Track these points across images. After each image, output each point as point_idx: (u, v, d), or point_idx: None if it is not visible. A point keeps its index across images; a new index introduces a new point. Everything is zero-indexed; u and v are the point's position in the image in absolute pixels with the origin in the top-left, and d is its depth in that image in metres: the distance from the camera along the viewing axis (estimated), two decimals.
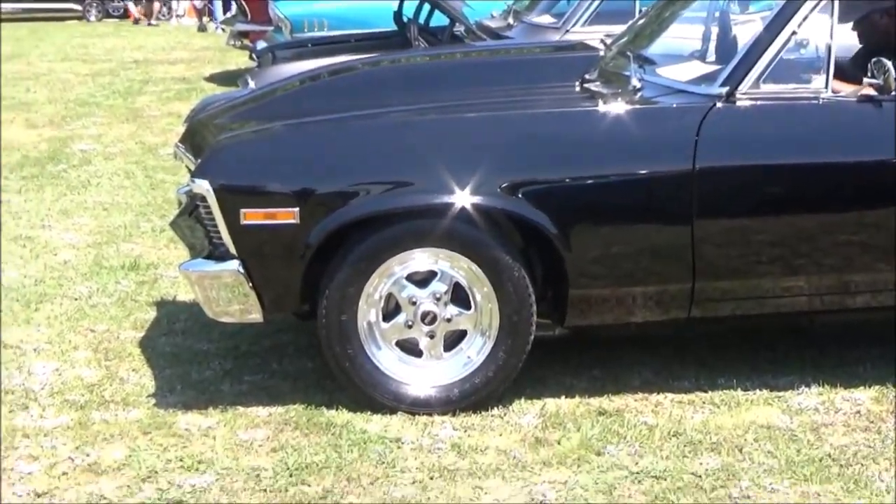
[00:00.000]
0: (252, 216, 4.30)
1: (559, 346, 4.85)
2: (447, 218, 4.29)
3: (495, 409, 4.39)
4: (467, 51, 7.68)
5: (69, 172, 8.61)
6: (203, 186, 4.28)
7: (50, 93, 12.68)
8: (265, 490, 3.77)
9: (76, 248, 6.49)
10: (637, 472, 3.85)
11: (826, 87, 4.42)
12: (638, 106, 4.57)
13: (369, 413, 4.38)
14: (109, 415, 4.37)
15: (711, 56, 5.09)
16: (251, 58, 11.88)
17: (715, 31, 5.25)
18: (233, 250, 4.31)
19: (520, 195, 4.34)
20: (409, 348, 4.44)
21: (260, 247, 4.35)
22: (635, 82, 4.63)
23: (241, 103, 5.64)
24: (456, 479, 3.86)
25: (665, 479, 3.80)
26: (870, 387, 4.50)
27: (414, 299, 4.36)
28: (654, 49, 5.26)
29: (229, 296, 4.41)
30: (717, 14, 5.48)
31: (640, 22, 6.00)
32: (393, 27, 8.11)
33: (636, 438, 4.16)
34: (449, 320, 4.37)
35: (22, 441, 4.20)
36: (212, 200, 4.28)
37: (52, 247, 6.63)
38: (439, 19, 8.51)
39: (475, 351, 4.39)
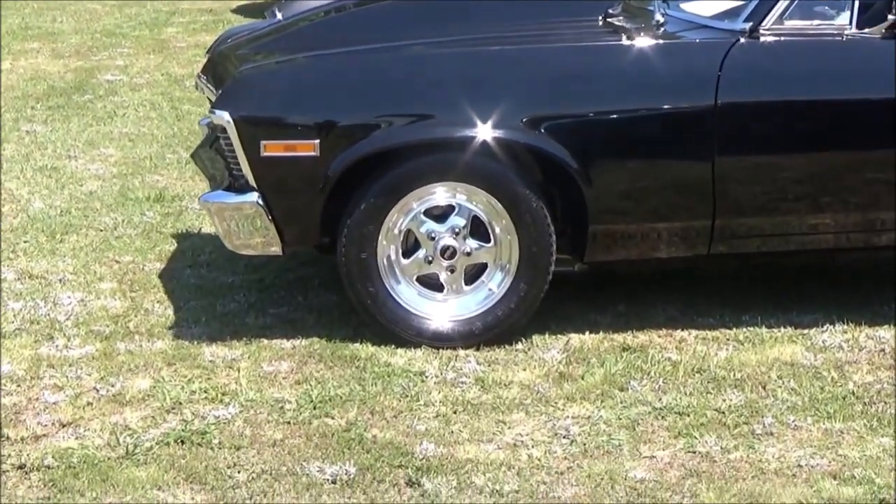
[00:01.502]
0: (272, 148, 4.30)
1: (584, 282, 4.87)
2: (468, 152, 4.28)
3: (519, 343, 4.42)
4: None
5: (95, 103, 8.62)
6: (223, 118, 4.27)
7: (76, 23, 12.65)
8: (289, 422, 3.81)
9: (102, 178, 6.54)
10: (660, 408, 3.88)
11: (850, 23, 4.38)
12: (660, 41, 4.55)
13: (393, 347, 4.41)
14: (134, 346, 4.42)
15: None
16: None
17: None
18: (252, 182, 4.31)
19: (541, 129, 4.33)
20: (431, 283, 4.45)
21: (279, 179, 4.35)
22: (658, 17, 4.59)
23: (265, 34, 5.61)
24: (479, 413, 3.89)
25: (688, 415, 3.82)
26: (893, 325, 4.53)
27: (433, 234, 4.36)
28: None
29: (249, 228, 4.42)
30: None
31: None
32: None
33: (660, 374, 4.17)
34: (469, 254, 4.37)
35: (47, 371, 4.27)
36: (231, 132, 4.27)
37: (78, 177, 6.67)
38: None
39: (496, 284, 4.39)
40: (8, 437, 3.80)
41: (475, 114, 4.26)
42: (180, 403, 3.95)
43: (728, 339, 4.48)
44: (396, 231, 4.37)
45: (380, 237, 4.34)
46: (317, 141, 4.28)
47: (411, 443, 3.69)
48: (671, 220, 4.45)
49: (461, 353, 4.38)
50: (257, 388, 4.09)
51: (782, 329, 4.54)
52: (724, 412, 3.85)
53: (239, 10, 13.59)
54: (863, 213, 4.52)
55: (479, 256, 4.39)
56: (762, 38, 4.35)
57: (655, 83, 4.43)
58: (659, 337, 4.51)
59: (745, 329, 4.54)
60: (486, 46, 4.85)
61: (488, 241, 4.38)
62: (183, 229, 5.50)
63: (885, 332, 4.48)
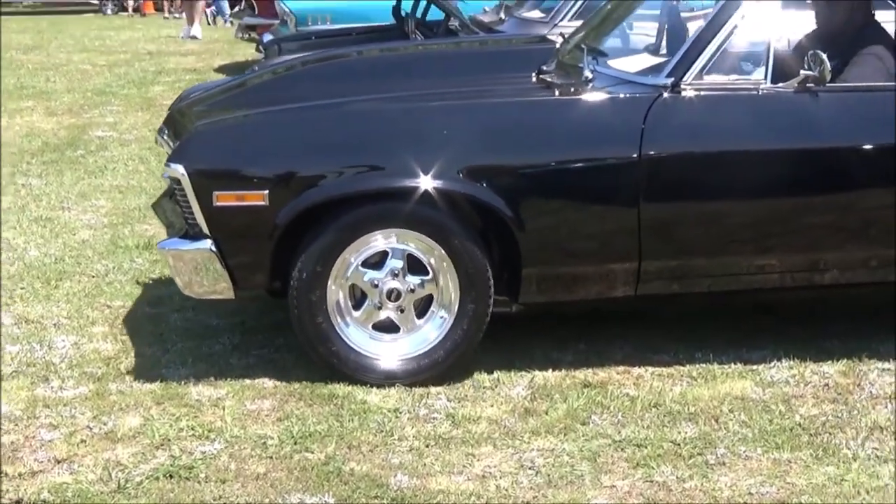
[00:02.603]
0: (224, 198, 4.33)
1: (545, 321, 4.87)
2: (411, 201, 4.34)
3: (486, 381, 4.45)
4: (437, 43, 7.71)
5: (87, 158, 8.66)
6: (178, 171, 4.31)
7: (69, 82, 12.68)
8: (271, 457, 3.81)
9: (94, 228, 6.55)
10: (620, 441, 3.91)
11: (766, 78, 4.46)
12: (589, 96, 4.61)
13: (369, 385, 4.41)
14: (125, 386, 4.40)
15: (661, 49, 5.09)
16: (258, 50, 11.96)
17: (665, 26, 5.31)
18: (206, 230, 4.35)
19: (479, 180, 4.38)
20: (385, 327, 4.48)
21: (231, 227, 4.37)
22: (588, 73, 4.63)
23: (222, 91, 5.65)
24: (450, 447, 3.90)
25: (646, 447, 3.85)
26: (837, 361, 4.55)
27: (375, 282, 4.40)
28: (608, 43, 5.32)
29: (202, 273, 4.46)
30: (666, 10, 5.46)
31: (596, 17, 5.98)
32: (392, 21, 8.14)
33: (619, 409, 4.20)
34: (413, 291, 4.40)
35: (43, 411, 4.24)
36: (186, 183, 4.31)
37: (71, 227, 6.65)
38: (435, 14, 8.49)
39: (445, 314, 4.40)
40: (6, 474, 3.77)
41: (418, 165, 4.32)
42: (169, 440, 3.96)
43: (682, 375, 4.50)
44: (343, 280, 4.41)
45: (329, 280, 4.38)
46: (266, 191, 4.33)
47: (386, 475, 3.68)
48: (600, 263, 4.50)
49: (432, 390, 4.39)
50: (241, 425, 4.10)
51: (733, 365, 4.56)
52: (679, 444, 3.88)
53: (221, 69, 13.69)
54: (779, 256, 4.57)
55: (421, 292, 4.41)
56: (683, 93, 4.42)
57: (584, 136, 4.51)
58: (617, 374, 4.53)
59: (698, 365, 4.56)
60: (428, 102, 4.92)
61: (427, 273, 4.42)
62: (170, 275, 5.43)
63: (828, 368, 4.51)
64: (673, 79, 4.40)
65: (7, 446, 3.97)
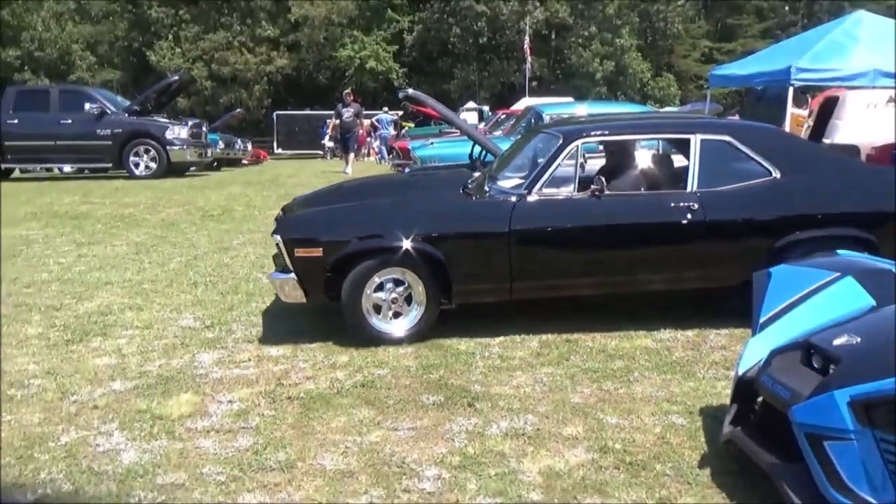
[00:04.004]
0: (300, 252, 4.95)
1: (546, 310, 5.41)
2: (398, 253, 4.89)
3: (517, 339, 5.04)
4: (434, 171, 8.32)
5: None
6: (278, 238, 5.00)
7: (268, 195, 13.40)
8: (412, 377, 4.40)
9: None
10: (585, 369, 4.54)
11: (574, 190, 5.07)
12: (486, 199, 5.18)
13: (460, 338, 5.04)
14: (339, 339, 5.01)
15: (524, 172, 5.44)
16: None
17: (531, 158, 5.66)
18: (292, 268, 4.97)
19: (429, 241, 4.93)
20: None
21: (304, 267, 4.96)
22: (487, 188, 5.29)
23: (306, 198, 6.34)
24: (500, 371, 4.48)
25: (597, 372, 4.48)
26: (693, 328, 5.24)
27: (384, 295, 4.95)
28: (503, 170, 5.72)
29: (290, 290, 5.02)
30: (535, 147, 5.78)
31: (501, 156, 6.44)
32: (468, 161, 8.40)
33: (584, 353, 4.81)
34: (397, 300, 5.03)
35: (300, 354, 4.82)
36: (281, 244, 4.98)
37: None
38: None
39: (416, 312, 5.05)
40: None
41: (401, 234, 4.90)
42: (362, 367, 4.62)
43: (616, 336, 5.14)
44: (371, 303, 4.92)
45: (363, 298, 4.96)
46: (321, 248, 4.93)
47: (469, 385, 4.28)
48: (491, 283, 5.04)
49: (490, 341, 4.98)
50: (396, 361, 4.69)
51: (641, 331, 5.20)
52: (615, 370, 4.52)
53: None
54: (583, 277, 5.14)
55: (405, 294, 4.94)
56: (530, 199, 5.00)
57: (482, 219, 5.06)
58: (583, 335, 5.11)
59: (623, 331, 5.19)
60: (406, 200, 5.46)
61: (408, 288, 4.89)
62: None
63: (689, 332, 5.17)
64: (527, 191, 5.02)
65: (281, 371, 4.57)
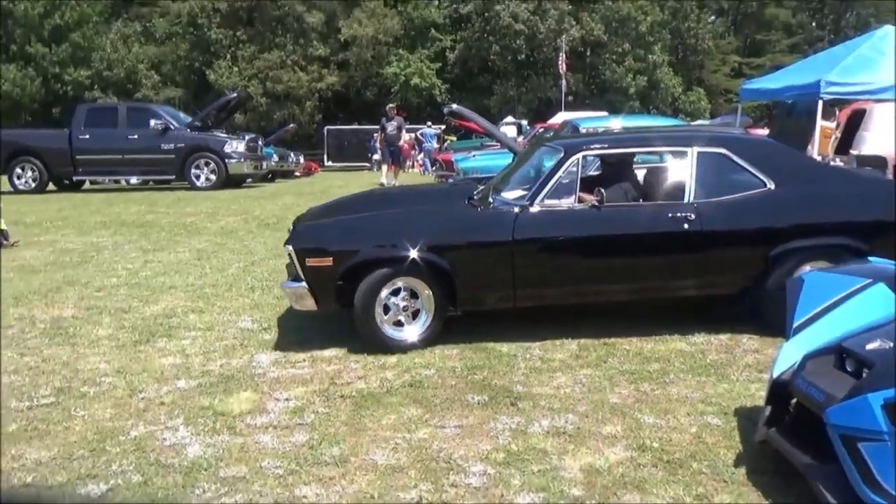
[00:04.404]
0: (311, 262, 4.90)
1: (582, 317, 5.34)
2: (406, 262, 4.84)
3: (557, 342, 5.00)
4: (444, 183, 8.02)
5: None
6: (289, 248, 4.95)
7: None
8: (457, 377, 4.45)
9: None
10: (622, 371, 4.51)
11: (574, 202, 5.03)
12: (490, 210, 5.12)
13: (503, 341, 5.01)
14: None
15: (527, 184, 5.40)
16: None
17: (533, 170, 5.66)
18: (303, 277, 4.92)
19: (436, 252, 4.88)
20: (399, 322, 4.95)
21: (315, 276, 4.91)
22: (490, 200, 5.23)
23: (320, 209, 6.22)
24: (541, 373, 4.50)
25: (635, 374, 4.45)
26: (726, 333, 5.15)
27: (395, 303, 4.94)
28: (507, 182, 5.69)
29: (302, 298, 4.96)
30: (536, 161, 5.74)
31: (504, 170, 6.38)
32: None
33: (622, 356, 4.78)
34: (406, 308, 4.96)
35: (351, 357, 4.81)
36: (293, 254, 4.91)
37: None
38: None
39: (428, 317, 4.98)
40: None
41: (409, 244, 4.86)
42: (409, 368, 4.65)
43: (652, 340, 5.06)
44: (381, 306, 4.87)
45: (375, 305, 4.91)
46: (332, 258, 4.89)
47: (512, 385, 4.29)
48: (495, 291, 4.97)
49: (532, 345, 4.94)
50: (442, 362, 4.73)
51: (676, 335, 5.15)
52: (651, 372, 4.46)
53: None
54: (583, 285, 5.04)
55: (415, 304, 4.96)
56: (532, 209, 4.95)
57: (487, 229, 4.98)
58: (620, 339, 5.07)
59: (659, 336, 5.12)
60: (416, 211, 5.41)
61: (417, 296, 4.90)
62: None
63: (722, 336, 5.07)
64: (529, 202, 4.98)
65: (333, 371, 4.60)
